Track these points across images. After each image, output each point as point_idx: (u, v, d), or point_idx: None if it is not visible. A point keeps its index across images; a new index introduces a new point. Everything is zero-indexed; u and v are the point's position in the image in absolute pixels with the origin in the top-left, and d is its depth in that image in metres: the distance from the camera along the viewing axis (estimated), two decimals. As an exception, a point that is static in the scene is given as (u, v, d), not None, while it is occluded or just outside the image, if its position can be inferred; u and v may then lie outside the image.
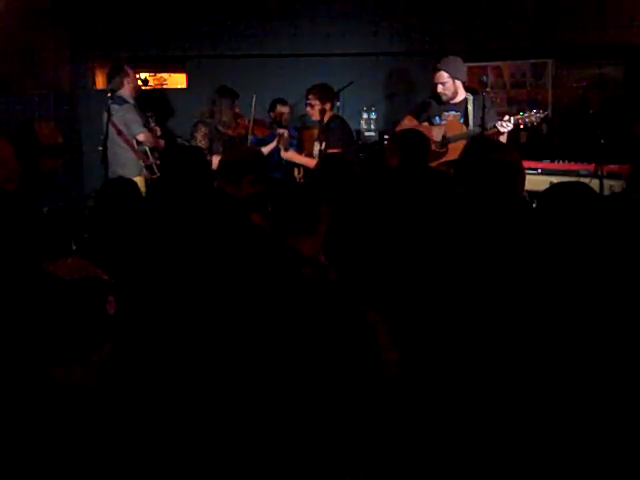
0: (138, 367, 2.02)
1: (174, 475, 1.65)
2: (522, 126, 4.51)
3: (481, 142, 3.04)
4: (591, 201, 2.30)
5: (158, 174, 5.34)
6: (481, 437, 1.92)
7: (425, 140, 3.91)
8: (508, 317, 2.10)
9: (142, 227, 2.94)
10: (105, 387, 1.66)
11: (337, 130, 5.11)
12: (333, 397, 1.13)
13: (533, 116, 4.49)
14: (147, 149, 5.51)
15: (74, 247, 3.09)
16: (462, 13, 6.47)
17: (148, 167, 5.48)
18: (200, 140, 5.17)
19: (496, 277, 2.22)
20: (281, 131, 5.51)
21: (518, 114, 4.52)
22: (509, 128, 4.43)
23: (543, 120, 4.62)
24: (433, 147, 4.59)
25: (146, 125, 5.61)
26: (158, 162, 5.43)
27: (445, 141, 4.66)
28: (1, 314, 1.69)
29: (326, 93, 5.16)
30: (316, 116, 5.19)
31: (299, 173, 5.39)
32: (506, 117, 4.47)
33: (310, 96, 5.20)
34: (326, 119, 5.15)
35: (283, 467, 1.16)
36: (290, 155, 5.39)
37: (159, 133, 5.84)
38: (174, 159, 3.22)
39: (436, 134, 4.67)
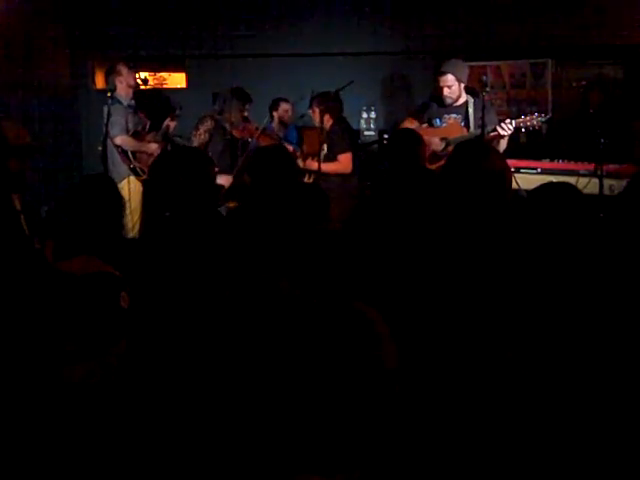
0: (151, 366, 2.03)
1: (183, 475, 1.66)
2: (523, 129, 4.50)
3: (469, 147, 3.04)
4: (576, 202, 2.30)
5: (144, 177, 5.32)
6: (480, 435, 1.92)
7: (416, 139, 3.87)
8: (499, 316, 2.11)
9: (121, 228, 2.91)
10: (120, 385, 1.66)
11: (337, 137, 5.22)
12: (333, 393, 1.13)
13: (535, 119, 4.49)
14: (129, 152, 5.48)
15: (38, 245, 3.01)
16: (462, 13, 6.47)
17: (132, 170, 5.46)
18: (201, 133, 5.19)
19: (485, 274, 2.23)
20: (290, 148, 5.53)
21: (519, 117, 4.52)
22: (510, 131, 4.42)
23: (544, 123, 4.62)
24: (433, 150, 4.60)
25: (128, 128, 5.56)
26: (140, 165, 5.43)
27: (446, 143, 4.65)
28: (16, 314, 1.69)
29: (327, 105, 5.21)
30: (316, 121, 5.31)
31: (309, 177, 5.37)
32: (507, 120, 4.46)
33: (314, 102, 5.33)
34: (327, 126, 5.22)
35: (280, 461, 1.16)
36: (309, 164, 5.40)
37: (172, 129, 5.78)
38: (168, 164, 3.11)
39: (436, 143, 4.65)
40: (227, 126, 5.30)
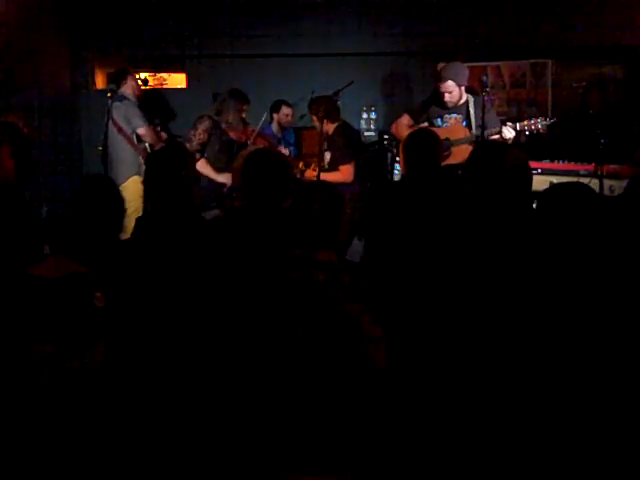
0: (131, 365, 2.02)
1: (167, 473, 1.66)
2: (527, 132, 4.52)
3: (489, 144, 3.03)
4: (591, 202, 2.31)
5: None
6: (474, 436, 1.92)
7: (434, 139, 3.83)
8: (509, 315, 2.11)
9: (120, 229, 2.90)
10: (101, 383, 1.66)
11: (339, 146, 5.14)
12: (323, 393, 1.13)
13: (539, 123, 4.50)
14: (147, 145, 5.53)
15: (48, 252, 3.01)
16: (462, 13, 6.47)
17: None
18: (201, 132, 5.15)
19: (498, 276, 2.23)
20: (284, 150, 5.55)
21: (520, 118, 4.53)
22: (512, 134, 4.44)
23: (548, 127, 4.62)
24: None
25: (149, 121, 5.63)
26: None
27: (448, 144, 4.63)
28: None
29: (325, 109, 5.13)
30: (317, 127, 5.25)
31: None
32: (509, 123, 4.49)
33: (311, 109, 5.25)
34: (330, 131, 5.19)
35: (271, 461, 1.16)
36: (309, 174, 5.38)
37: (164, 138, 5.87)
38: (152, 163, 3.11)
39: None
40: (224, 127, 5.28)
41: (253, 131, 5.36)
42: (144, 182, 2.95)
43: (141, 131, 5.49)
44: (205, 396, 1.95)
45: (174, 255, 2.57)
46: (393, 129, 5.09)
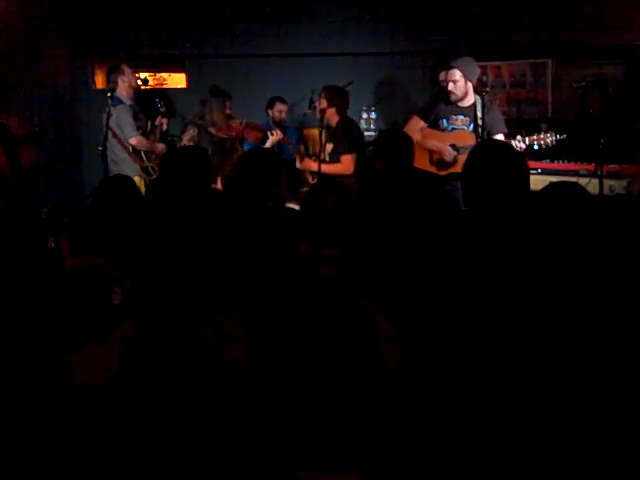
0: (148, 366, 2.03)
1: (182, 469, 1.66)
2: (536, 147, 4.54)
3: (488, 145, 3.02)
4: (583, 202, 2.31)
5: (154, 176, 5.36)
6: (482, 436, 1.92)
7: (408, 141, 3.79)
8: (507, 317, 2.11)
9: (142, 226, 2.94)
10: (115, 386, 1.66)
11: (340, 137, 5.15)
12: (336, 392, 1.13)
13: (549, 138, 4.53)
14: (142, 152, 5.50)
15: (52, 245, 3.06)
16: (462, 13, 6.47)
17: (144, 170, 5.48)
18: (185, 143, 5.15)
19: (498, 276, 2.23)
20: (274, 132, 5.47)
21: (533, 135, 4.56)
22: (522, 147, 4.46)
23: (558, 142, 4.64)
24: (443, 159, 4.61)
25: (140, 128, 5.61)
26: (151, 164, 5.46)
27: (456, 152, 4.60)
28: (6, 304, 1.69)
29: (335, 97, 5.16)
30: (317, 111, 5.23)
31: (313, 179, 5.34)
32: (518, 137, 4.53)
33: (322, 93, 5.23)
34: (333, 123, 5.19)
35: (283, 458, 1.16)
36: (307, 164, 5.35)
37: (165, 127, 5.85)
38: (173, 161, 3.19)
39: (449, 152, 4.62)
40: (211, 129, 5.27)
41: (241, 124, 5.33)
42: (162, 184, 3.01)
43: (132, 141, 5.45)
44: (220, 392, 1.95)
45: (191, 255, 2.60)
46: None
